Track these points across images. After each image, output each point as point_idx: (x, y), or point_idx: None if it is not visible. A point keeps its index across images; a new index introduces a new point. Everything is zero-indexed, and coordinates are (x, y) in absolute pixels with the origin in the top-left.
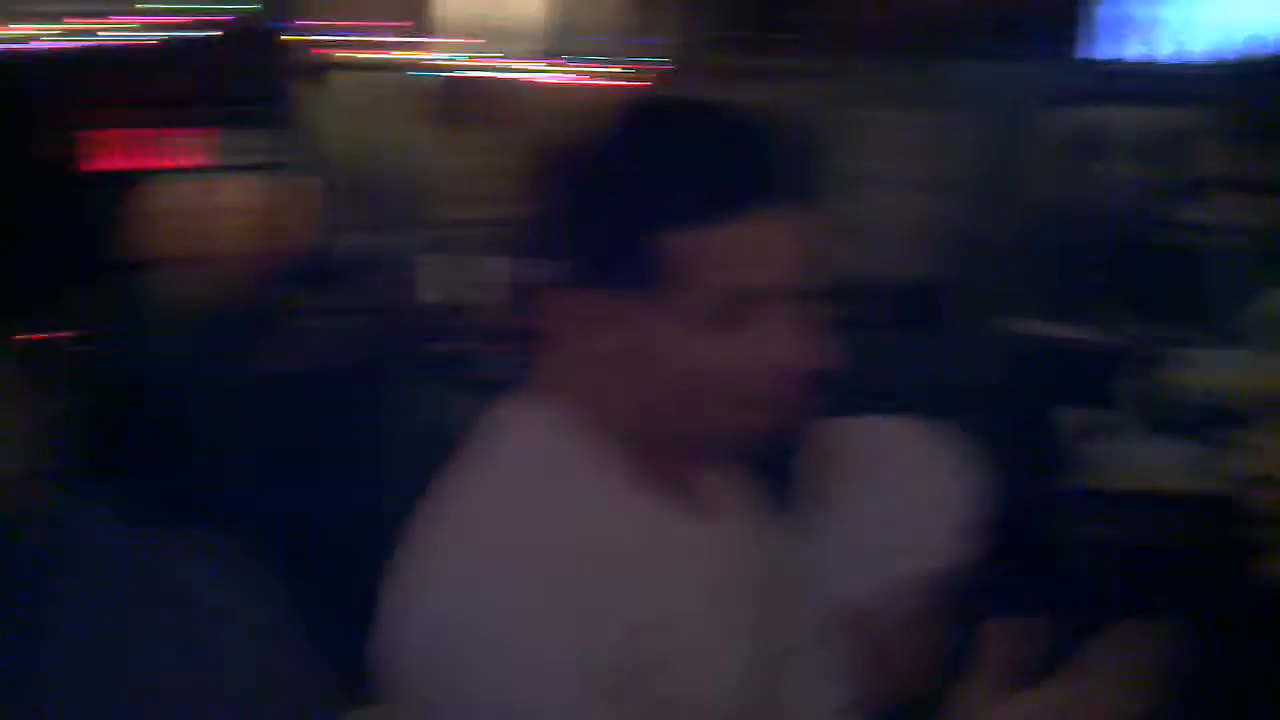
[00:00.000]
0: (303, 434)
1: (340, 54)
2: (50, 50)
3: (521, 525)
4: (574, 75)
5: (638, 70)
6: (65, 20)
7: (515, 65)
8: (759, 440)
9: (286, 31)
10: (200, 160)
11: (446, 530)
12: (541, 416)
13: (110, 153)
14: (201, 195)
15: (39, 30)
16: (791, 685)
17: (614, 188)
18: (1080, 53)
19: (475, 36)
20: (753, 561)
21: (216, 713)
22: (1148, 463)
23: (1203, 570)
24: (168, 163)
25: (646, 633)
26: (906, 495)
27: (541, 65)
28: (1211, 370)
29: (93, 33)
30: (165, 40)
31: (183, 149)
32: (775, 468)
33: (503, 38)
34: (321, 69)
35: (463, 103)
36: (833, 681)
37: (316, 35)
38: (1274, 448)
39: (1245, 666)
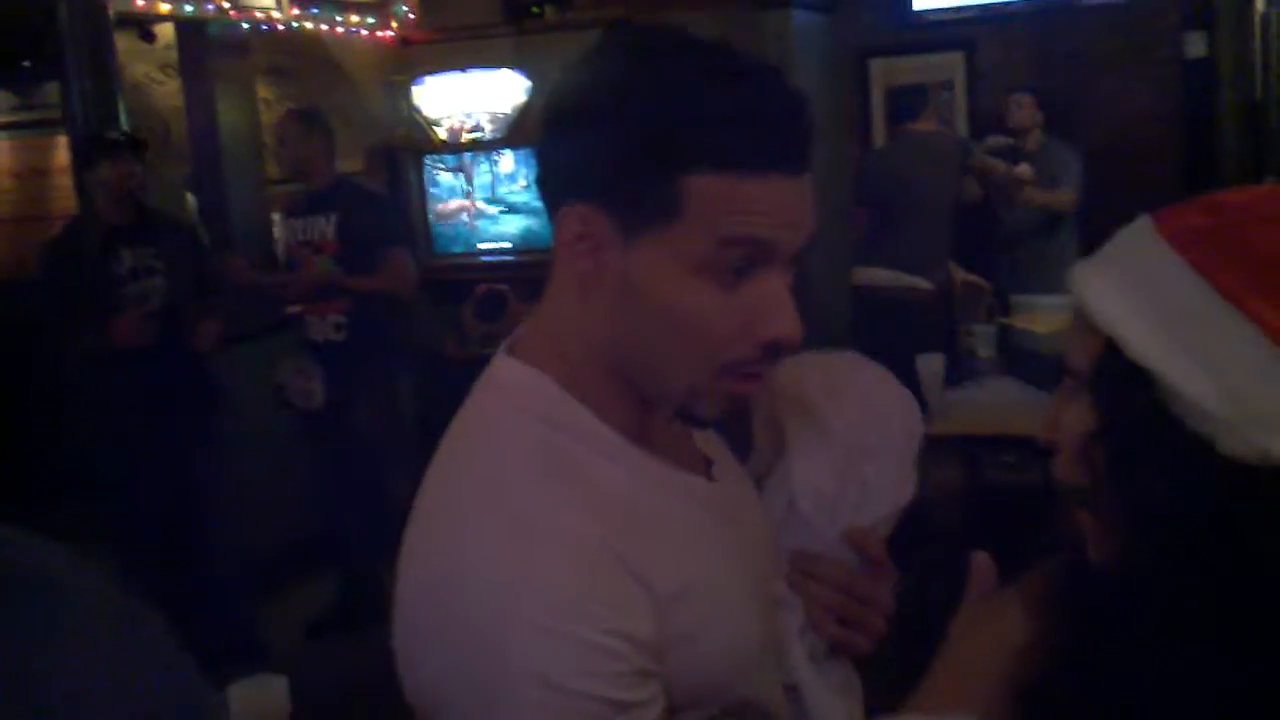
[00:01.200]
0: (129, 405)
1: (152, 6)
2: None
3: (532, 494)
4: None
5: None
6: None
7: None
8: (730, 404)
9: None
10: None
11: (453, 502)
12: (536, 376)
13: None
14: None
15: None
16: (782, 636)
17: (647, 118)
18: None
19: None
20: (749, 514)
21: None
22: (996, 407)
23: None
24: None
25: (675, 603)
26: (864, 432)
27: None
28: (1049, 317)
29: None
30: None
31: None
32: (729, 414)
33: None
34: (132, 23)
35: (277, 58)
36: (810, 630)
37: None
38: (1056, 407)
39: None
